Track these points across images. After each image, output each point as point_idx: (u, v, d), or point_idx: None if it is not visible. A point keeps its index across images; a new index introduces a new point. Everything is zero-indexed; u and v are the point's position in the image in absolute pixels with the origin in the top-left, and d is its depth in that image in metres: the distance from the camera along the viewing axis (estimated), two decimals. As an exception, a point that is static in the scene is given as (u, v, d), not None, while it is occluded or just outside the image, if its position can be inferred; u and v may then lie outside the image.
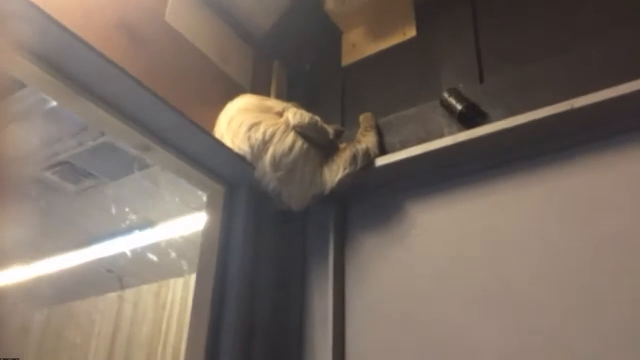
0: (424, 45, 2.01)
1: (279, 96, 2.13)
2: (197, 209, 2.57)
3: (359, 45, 2.19)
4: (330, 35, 2.24)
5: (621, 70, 1.45)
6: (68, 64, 1.35)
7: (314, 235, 1.86)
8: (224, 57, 1.94)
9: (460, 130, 1.69)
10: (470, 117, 1.68)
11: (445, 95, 1.74)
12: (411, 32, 2.06)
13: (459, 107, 1.69)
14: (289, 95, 2.17)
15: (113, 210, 2.95)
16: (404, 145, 1.78)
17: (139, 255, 3.32)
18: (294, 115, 1.71)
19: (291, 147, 1.66)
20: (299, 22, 2.21)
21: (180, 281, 3.54)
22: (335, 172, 1.69)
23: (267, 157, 1.64)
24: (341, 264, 1.76)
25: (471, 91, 1.77)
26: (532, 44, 1.72)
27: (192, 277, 2.36)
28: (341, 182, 1.69)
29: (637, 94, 1.37)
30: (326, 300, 1.69)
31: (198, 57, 1.83)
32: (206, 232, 1.72)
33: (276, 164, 1.64)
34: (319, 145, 1.74)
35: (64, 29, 1.26)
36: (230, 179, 1.76)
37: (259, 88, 2.08)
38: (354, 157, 1.69)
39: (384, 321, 1.62)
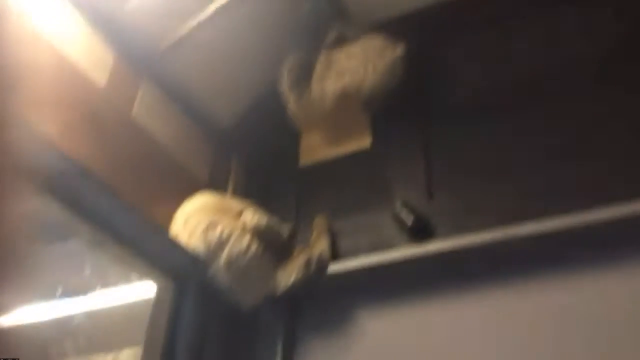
0: (378, 156, 2.13)
1: (236, 191, 2.18)
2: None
3: (317, 148, 2.29)
4: (290, 135, 2.33)
5: (565, 201, 1.59)
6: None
7: (262, 336, 1.86)
8: (186, 151, 1.99)
9: (409, 242, 1.77)
10: (419, 231, 1.78)
11: (398, 208, 1.84)
12: (366, 142, 2.19)
13: (409, 221, 1.79)
14: (246, 190, 2.22)
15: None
16: (355, 253, 1.84)
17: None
18: (252, 217, 1.75)
19: (247, 249, 1.69)
20: (261, 119, 2.30)
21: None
22: (288, 276, 1.72)
23: (222, 258, 1.66)
24: (287, 368, 1.76)
25: (421, 205, 1.88)
26: (482, 166, 1.87)
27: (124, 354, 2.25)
28: (293, 286, 1.72)
29: (577, 227, 1.50)
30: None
31: (161, 152, 1.86)
32: (153, 323, 1.69)
33: (231, 265, 1.66)
34: (274, 247, 1.78)
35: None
36: (181, 274, 1.76)
37: (218, 182, 2.12)
38: (308, 263, 1.73)
39: None
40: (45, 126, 1.36)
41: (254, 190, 2.22)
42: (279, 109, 2.25)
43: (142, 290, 1.94)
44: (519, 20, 2.13)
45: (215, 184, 2.10)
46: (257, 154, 2.33)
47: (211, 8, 1.80)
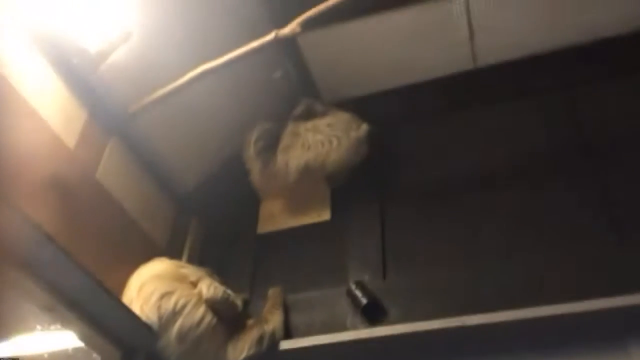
0: (335, 231, 2.18)
1: (192, 257, 2.16)
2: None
3: (276, 217, 2.32)
4: (250, 202, 2.36)
5: (515, 296, 1.67)
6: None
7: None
8: (147, 213, 1.98)
9: (362, 322, 1.80)
10: (372, 311, 1.81)
11: (352, 287, 1.88)
12: (325, 216, 2.24)
13: (363, 301, 1.82)
14: (202, 255, 2.21)
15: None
16: (308, 330, 1.86)
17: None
18: (208, 288, 1.75)
19: (200, 322, 1.67)
20: (222, 185, 2.33)
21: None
22: (239, 351, 1.71)
23: (175, 329, 1.64)
24: None
25: (374, 285, 1.92)
26: (435, 252, 1.94)
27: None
28: (246, 364, 1.70)
29: (527, 321, 1.57)
30: None
31: (121, 214, 1.85)
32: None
33: (182, 337, 1.64)
34: (228, 319, 1.77)
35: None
36: (130, 343, 1.71)
37: (176, 247, 2.11)
38: (261, 339, 1.73)
39: None
40: (10, 188, 1.34)
41: (210, 256, 2.21)
42: (241, 175, 2.29)
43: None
44: (475, 113, 2.28)
45: (173, 249, 2.10)
46: (216, 220, 2.34)
47: (184, 78, 1.83)
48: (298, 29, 1.64)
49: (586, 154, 2.01)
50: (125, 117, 1.89)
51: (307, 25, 1.64)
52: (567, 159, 2.03)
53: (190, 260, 2.12)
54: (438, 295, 1.80)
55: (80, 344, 1.63)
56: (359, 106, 2.35)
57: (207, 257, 2.20)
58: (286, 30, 1.67)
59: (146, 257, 1.86)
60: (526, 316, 1.59)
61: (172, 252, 2.08)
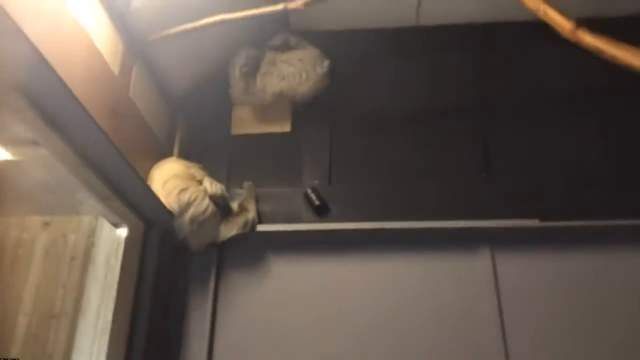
0: (293, 142, 2.86)
1: (180, 149, 2.76)
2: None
3: (246, 123, 2.93)
4: (227, 108, 2.93)
5: (417, 210, 2.53)
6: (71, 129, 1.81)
7: (201, 269, 2.59)
8: (154, 117, 2.51)
9: (314, 217, 2.60)
10: (321, 210, 2.61)
11: (309, 191, 2.63)
12: (287, 128, 2.90)
13: (316, 202, 2.60)
14: (188, 149, 2.80)
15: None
16: (273, 218, 2.61)
17: None
18: (211, 185, 2.41)
19: (205, 210, 2.36)
20: (205, 92, 2.87)
21: None
22: (229, 230, 2.45)
23: (188, 215, 2.32)
24: (216, 292, 2.54)
25: (321, 188, 2.69)
26: (370, 169, 2.71)
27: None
28: (231, 238, 2.45)
29: (415, 229, 2.46)
30: (205, 314, 2.47)
31: (142, 120, 2.38)
32: (127, 257, 2.31)
33: (193, 221, 2.34)
34: (221, 208, 2.47)
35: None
36: (151, 219, 2.38)
37: (170, 141, 2.69)
38: (245, 223, 2.47)
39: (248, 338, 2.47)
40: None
41: (193, 151, 2.81)
42: (222, 87, 2.84)
43: None
44: (410, 63, 2.95)
45: (168, 145, 2.68)
46: (198, 121, 2.90)
47: (200, 23, 2.29)
48: (302, 7, 2.16)
49: (479, 109, 2.81)
50: (146, 45, 2.34)
51: (311, 5, 2.16)
52: (467, 111, 2.82)
53: (180, 155, 2.73)
54: (368, 202, 2.61)
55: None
56: (322, 40, 2.92)
57: (191, 152, 2.80)
58: (292, 4, 2.18)
59: (153, 151, 2.45)
60: (423, 226, 2.47)
61: (169, 147, 2.68)
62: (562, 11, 1.79)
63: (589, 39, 1.72)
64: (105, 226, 2.39)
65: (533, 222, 2.40)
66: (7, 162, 2.08)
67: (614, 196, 2.45)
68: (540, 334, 2.39)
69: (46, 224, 4.20)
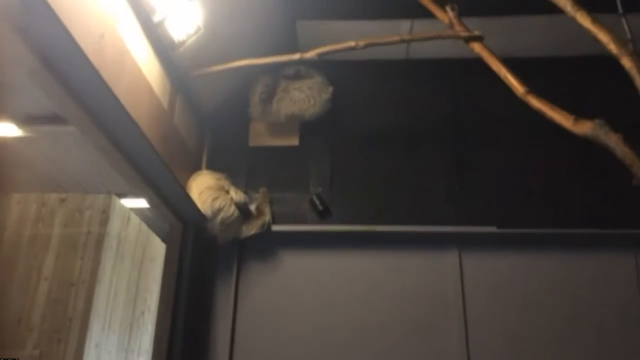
0: (301, 154, 3.43)
1: (208, 159, 3.32)
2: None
3: (261, 136, 3.49)
4: (245, 124, 3.49)
5: (401, 216, 3.13)
6: (137, 158, 2.40)
7: (226, 259, 3.18)
8: (188, 133, 3.07)
9: (317, 220, 3.19)
10: (324, 214, 3.20)
11: (314, 197, 3.21)
12: (295, 142, 3.46)
13: (320, 207, 3.18)
14: (214, 159, 3.36)
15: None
16: (283, 219, 3.20)
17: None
18: (236, 194, 2.99)
19: (231, 215, 2.95)
20: (227, 111, 3.42)
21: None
22: (250, 229, 3.04)
23: (219, 218, 2.91)
24: (238, 278, 3.14)
25: (324, 194, 3.27)
26: (365, 179, 3.30)
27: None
28: (252, 236, 3.04)
29: (404, 233, 3.06)
30: (229, 295, 3.08)
31: (180, 139, 2.93)
32: (169, 249, 2.90)
33: (222, 223, 2.93)
34: (243, 212, 3.05)
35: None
36: (186, 219, 2.96)
37: (199, 152, 3.25)
38: (263, 225, 3.06)
39: (267, 319, 3.08)
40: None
41: (218, 160, 3.37)
42: (240, 105, 3.39)
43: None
44: (398, 91, 3.51)
45: (199, 156, 3.24)
46: (222, 135, 3.46)
47: (230, 64, 2.84)
48: (315, 57, 2.71)
49: (455, 133, 3.39)
50: (188, 80, 2.88)
51: (323, 56, 2.71)
52: (444, 133, 3.40)
53: (207, 163, 3.30)
54: (363, 207, 3.21)
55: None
56: (327, 68, 3.47)
57: (217, 161, 3.36)
58: (308, 54, 2.73)
59: (188, 162, 3.02)
60: (406, 229, 3.08)
61: (199, 157, 3.24)
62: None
63: (535, 102, 2.30)
64: (117, 203, 2.90)
65: (492, 229, 3.01)
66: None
67: (551, 209, 3.08)
68: (498, 320, 3.03)
69: (63, 200, 4.71)
